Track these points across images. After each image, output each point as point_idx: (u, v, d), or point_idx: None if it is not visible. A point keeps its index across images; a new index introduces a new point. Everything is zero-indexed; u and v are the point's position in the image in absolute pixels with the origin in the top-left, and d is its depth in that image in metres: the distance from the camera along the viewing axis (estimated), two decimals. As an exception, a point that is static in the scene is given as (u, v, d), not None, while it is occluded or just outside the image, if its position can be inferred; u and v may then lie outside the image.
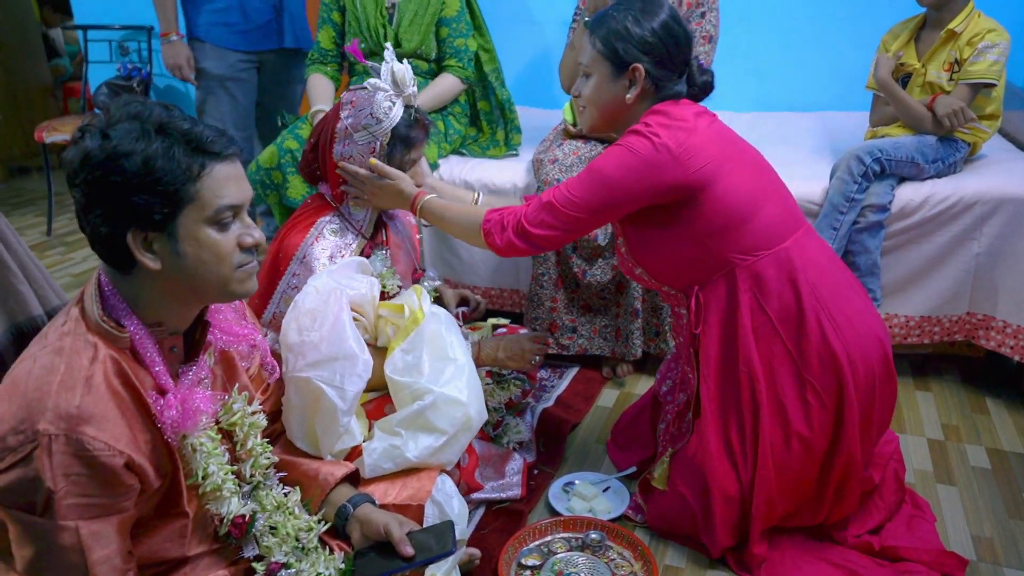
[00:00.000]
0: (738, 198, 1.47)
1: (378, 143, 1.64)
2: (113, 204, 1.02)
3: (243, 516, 1.25)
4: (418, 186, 1.70)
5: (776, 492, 1.52)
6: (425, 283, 1.93)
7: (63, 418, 0.99)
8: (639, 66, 1.50)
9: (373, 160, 1.65)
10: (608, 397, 2.33)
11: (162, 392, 1.13)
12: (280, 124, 2.84)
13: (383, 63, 1.63)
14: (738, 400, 1.53)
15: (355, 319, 1.57)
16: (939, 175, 2.27)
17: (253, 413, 1.31)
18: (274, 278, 1.69)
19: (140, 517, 1.15)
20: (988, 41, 2.17)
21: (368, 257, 1.74)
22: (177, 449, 1.16)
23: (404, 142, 1.67)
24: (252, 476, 1.32)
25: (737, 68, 3.39)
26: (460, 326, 2.07)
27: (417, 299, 1.64)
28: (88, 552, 1.02)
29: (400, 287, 1.78)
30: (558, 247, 1.61)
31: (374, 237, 1.79)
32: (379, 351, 1.59)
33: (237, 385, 1.31)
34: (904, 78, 2.38)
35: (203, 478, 1.18)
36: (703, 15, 2.28)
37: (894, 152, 2.21)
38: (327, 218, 1.72)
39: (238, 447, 1.30)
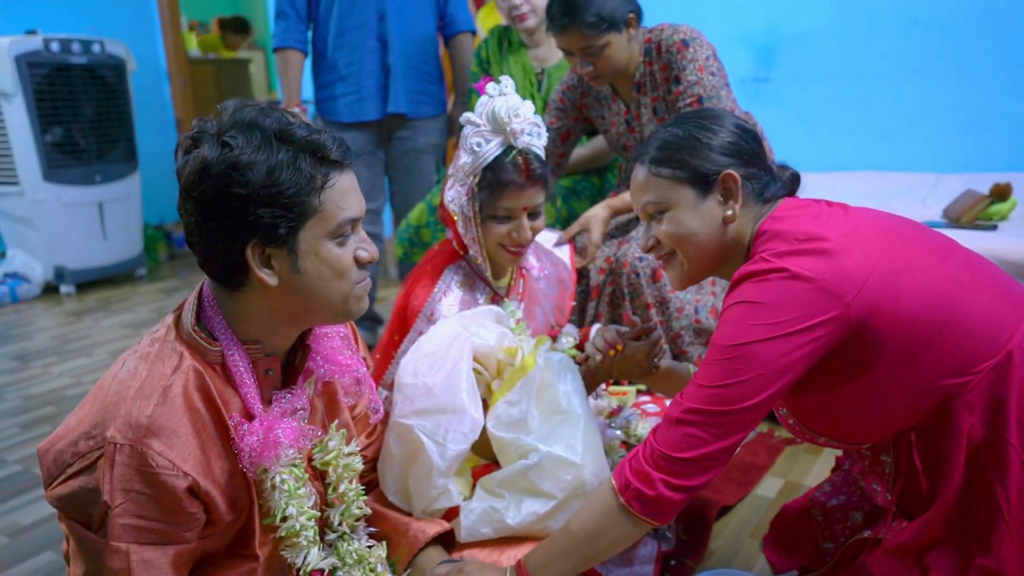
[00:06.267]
0: (927, 301, 1.07)
1: (470, 182, 1.48)
2: (233, 218, 0.95)
3: (321, 571, 1.13)
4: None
5: None
6: (561, 340, 1.76)
7: (132, 427, 0.93)
8: (731, 172, 1.17)
9: None
10: (770, 486, 2.00)
11: (249, 416, 1.04)
12: (437, 180, 2.84)
13: (486, 97, 1.46)
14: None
15: (476, 371, 1.43)
16: None
17: (349, 454, 1.20)
18: (398, 335, 1.58)
19: (209, 554, 1.06)
20: None
21: None
22: (256, 483, 1.06)
23: (491, 186, 1.46)
24: (340, 525, 1.19)
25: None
26: (604, 390, 1.87)
27: (534, 345, 1.47)
28: None
29: None
30: (724, 467, 1.12)
31: (508, 290, 1.65)
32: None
33: (337, 421, 1.20)
34: None
35: (281, 520, 1.07)
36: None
37: None
38: (454, 267, 1.62)
39: (330, 491, 1.19)
